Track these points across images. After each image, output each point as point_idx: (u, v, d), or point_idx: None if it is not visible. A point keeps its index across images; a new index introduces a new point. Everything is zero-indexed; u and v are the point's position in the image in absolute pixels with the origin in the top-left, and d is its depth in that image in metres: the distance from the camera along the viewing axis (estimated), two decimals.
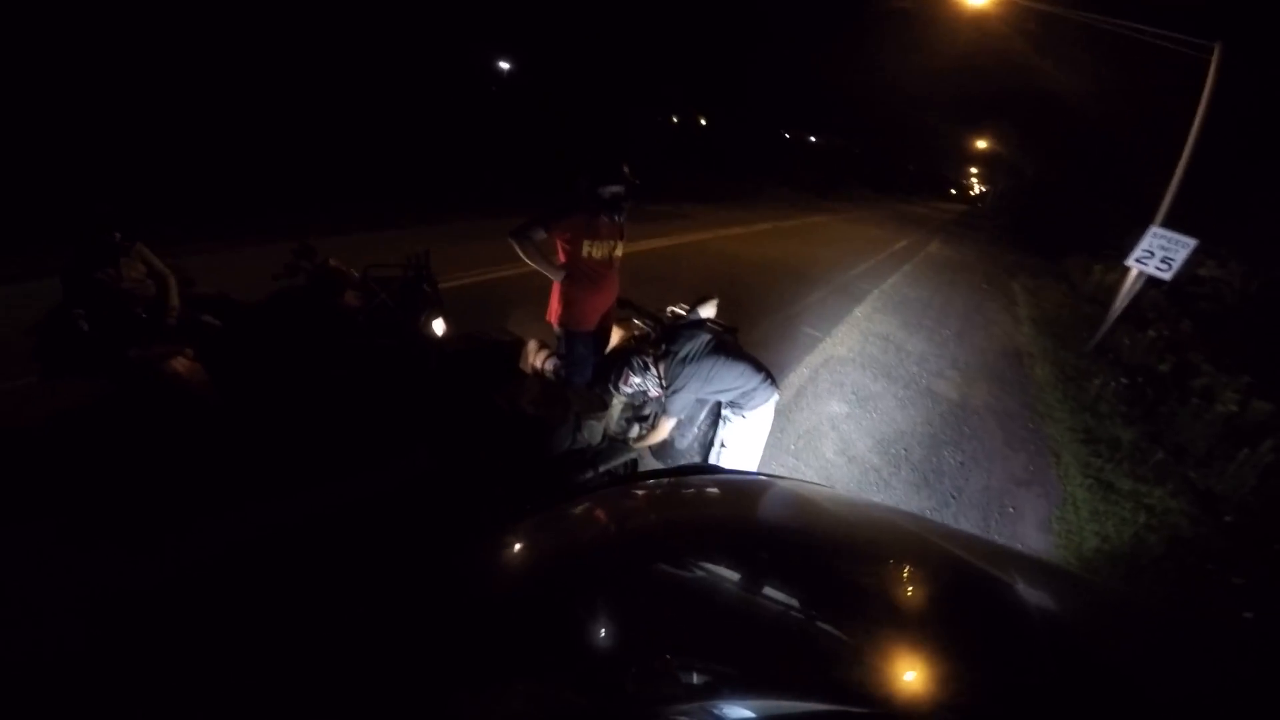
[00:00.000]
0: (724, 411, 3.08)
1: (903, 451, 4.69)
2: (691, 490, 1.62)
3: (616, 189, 3.17)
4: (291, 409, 3.32)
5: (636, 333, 3.71)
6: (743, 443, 3.03)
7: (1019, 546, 3.86)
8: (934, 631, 1.00)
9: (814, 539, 1.36)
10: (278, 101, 13.90)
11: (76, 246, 3.20)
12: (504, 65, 26.04)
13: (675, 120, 34.73)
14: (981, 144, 50.62)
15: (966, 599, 1.13)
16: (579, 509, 1.41)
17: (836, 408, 5.18)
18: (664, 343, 3.05)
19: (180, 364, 3.16)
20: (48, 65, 10.86)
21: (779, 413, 4.65)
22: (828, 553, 1.27)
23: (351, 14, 16.74)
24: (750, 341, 5.58)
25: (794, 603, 1.05)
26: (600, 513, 1.42)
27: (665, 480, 1.63)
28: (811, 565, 1.19)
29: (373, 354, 3.61)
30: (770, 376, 3.00)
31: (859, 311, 8.46)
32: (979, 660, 0.93)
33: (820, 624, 0.99)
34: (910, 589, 1.18)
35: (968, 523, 3.97)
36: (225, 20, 13.88)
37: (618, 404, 3.29)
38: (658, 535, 1.32)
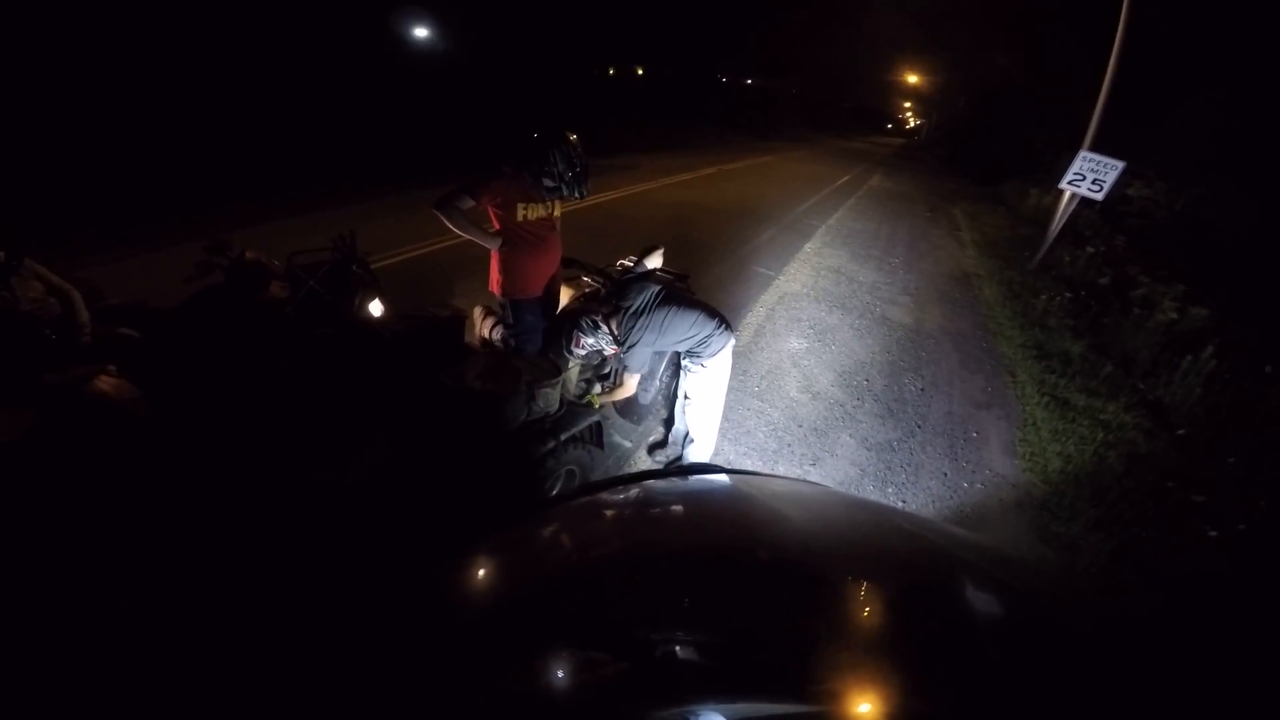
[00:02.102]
0: (683, 361, 2.96)
1: (864, 382, 4.64)
2: (664, 495, 1.58)
3: (552, 183, 2.95)
4: (234, 413, 3.05)
5: (586, 290, 3.53)
6: (705, 391, 2.93)
7: (988, 473, 3.88)
8: (922, 631, 0.98)
9: (786, 539, 1.35)
10: (168, 83, 12.65)
11: None
12: (421, 33, 24.49)
13: (611, 72, 33.84)
14: (913, 78, 51.07)
15: (955, 598, 1.13)
16: (560, 516, 1.40)
17: (795, 344, 5.09)
18: (613, 298, 2.91)
19: (105, 383, 2.85)
20: None
21: (739, 355, 4.55)
22: (800, 552, 1.27)
23: None
24: (704, 285, 5.43)
25: (769, 605, 1.04)
26: (574, 522, 1.40)
27: (637, 486, 1.58)
28: (783, 566, 1.18)
29: (310, 345, 3.35)
30: (725, 321, 2.90)
31: (809, 247, 8.35)
32: (970, 661, 0.92)
33: (795, 626, 0.97)
34: (888, 587, 1.16)
35: (934, 452, 3.94)
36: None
37: (574, 367, 3.11)
38: (633, 542, 1.31)
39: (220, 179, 9.25)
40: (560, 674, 0.86)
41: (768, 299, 5.99)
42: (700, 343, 2.82)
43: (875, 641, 0.96)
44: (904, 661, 0.90)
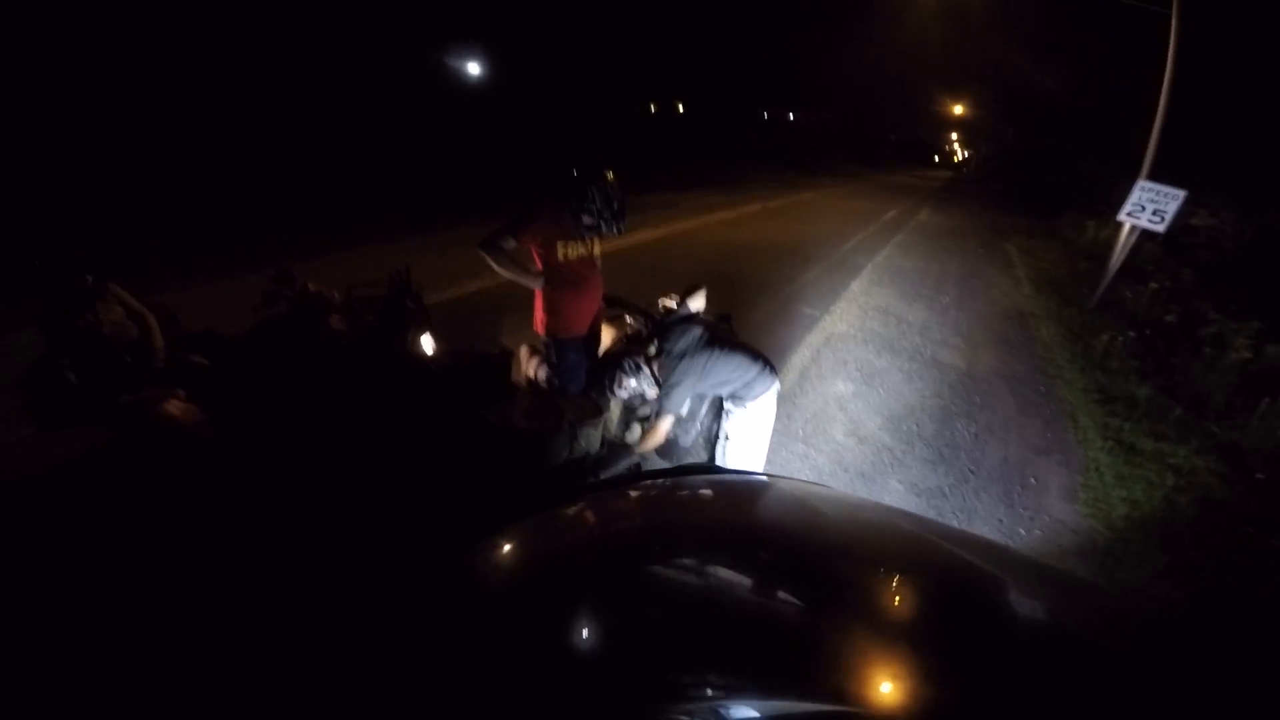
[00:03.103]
0: (725, 404, 2.94)
1: (914, 427, 4.53)
2: (688, 490, 1.60)
3: (591, 220, 2.96)
4: (290, 441, 3.19)
5: (628, 331, 3.57)
6: (747, 434, 2.90)
7: (1047, 519, 3.71)
8: (934, 632, 0.99)
9: (812, 539, 1.35)
10: (239, 120, 13.58)
11: (49, 294, 3.07)
12: (473, 69, 25.68)
13: (653, 109, 34.56)
14: (960, 109, 50.51)
15: (966, 599, 1.13)
16: (575, 510, 1.40)
17: (842, 387, 5.00)
18: (656, 340, 2.93)
19: (174, 406, 3.05)
20: None
21: (784, 398, 4.50)
22: (826, 552, 1.27)
23: (311, 27, 16.40)
24: (747, 326, 5.43)
25: (793, 603, 1.05)
26: (597, 514, 1.42)
27: (662, 481, 1.61)
28: (810, 565, 1.18)
29: (363, 378, 3.47)
30: (769, 364, 2.87)
31: (855, 286, 8.27)
32: (978, 662, 0.92)
33: (819, 624, 1.00)
34: (910, 589, 1.16)
35: (989, 498, 3.80)
36: (184, 35, 13.53)
37: (615, 408, 3.14)
38: (655, 535, 1.32)
39: (288, 207, 9.90)
40: (575, 667, 0.87)
41: (813, 340, 5.93)
42: (743, 386, 2.80)
43: (884, 640, 0.96)
44: (913, 660, 0.89)
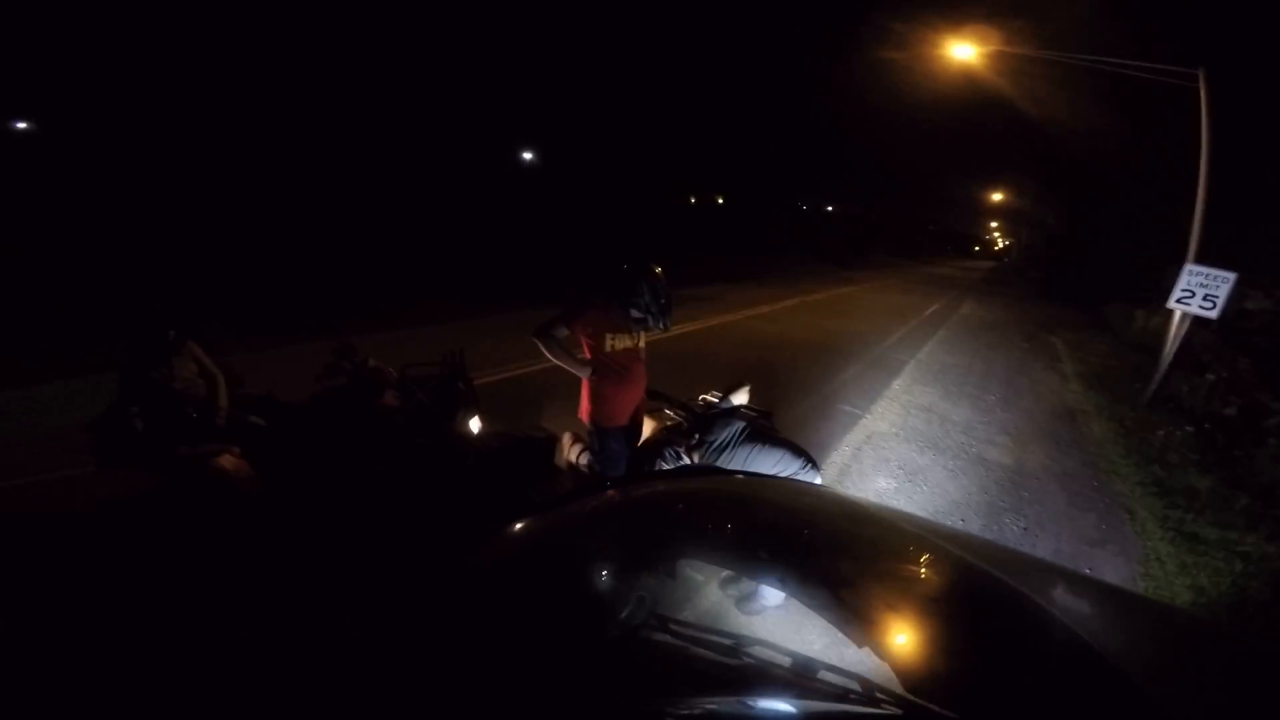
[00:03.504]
0: None
1: (959, 522, 4.49)
2: (692, 489, 1.62)
3: (640, 314, 3.17)
4: (333, 506, 3.36)
5: (669, 423, 3.69)
6: None
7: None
8: (939, 631, 1.01)
9: (819, 536, 1.37)
10: (317, 199, 14.98)
11: (131, 343, 3.36)
12: (527, 155, 27.61)
13: (692, 201, 35.77)
14: (998, 196, 50.96)
15: (971, 598, 1.15)
16: (582, 507, 1.42)
17: (884, 484, 5.02)
18: (697, 432, 3.04)
19: (227, 461, 3.28)
20: (113, 160, 12.14)
21: None
22: (832, 550, 1.29)
23: (384, 112, 18.12)
24: (787, 423, 5.53)
25: (799, 599, 1.07)
26: (602, 511, 1.43)
27: (670, 480, 1.68)
28: (816, 563, 1.21)
29: (411, 453, 3.66)
30: (811, 460, 2.95)
31: (897, 384, 8.33)
32: (987, 661, 0.94)
33: (822, 620, 1.00)
34: (915, 588, 1.19)
35: None
36: (269, 107, 15.22)
37: None
38: (662, 532, 1.34)
39: (356, 283, 10.82)
40: (581, 661, 0.87)
41: (854, 438, 5.99)
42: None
43: (886, 637, 0.97)
44: (915, 657, 0.92)
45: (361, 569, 3.01)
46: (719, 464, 2.85)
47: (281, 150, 15.55)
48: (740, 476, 1.79)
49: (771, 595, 1.61)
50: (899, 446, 5.86)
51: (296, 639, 0.99)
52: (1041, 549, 4.22)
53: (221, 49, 14.78)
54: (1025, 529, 4.49)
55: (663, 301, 3.20)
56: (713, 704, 0.79)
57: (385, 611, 1.03)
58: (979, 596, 1.17)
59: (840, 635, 0.97)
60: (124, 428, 3.20)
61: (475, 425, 3.98)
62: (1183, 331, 8.00)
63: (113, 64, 13.29)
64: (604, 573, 1.16)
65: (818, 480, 2.96)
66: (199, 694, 0.87)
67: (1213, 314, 7.40)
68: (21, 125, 14.61)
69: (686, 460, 2.96)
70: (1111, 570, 4.02)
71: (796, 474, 2.88)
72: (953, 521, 4.50)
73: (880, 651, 0.95)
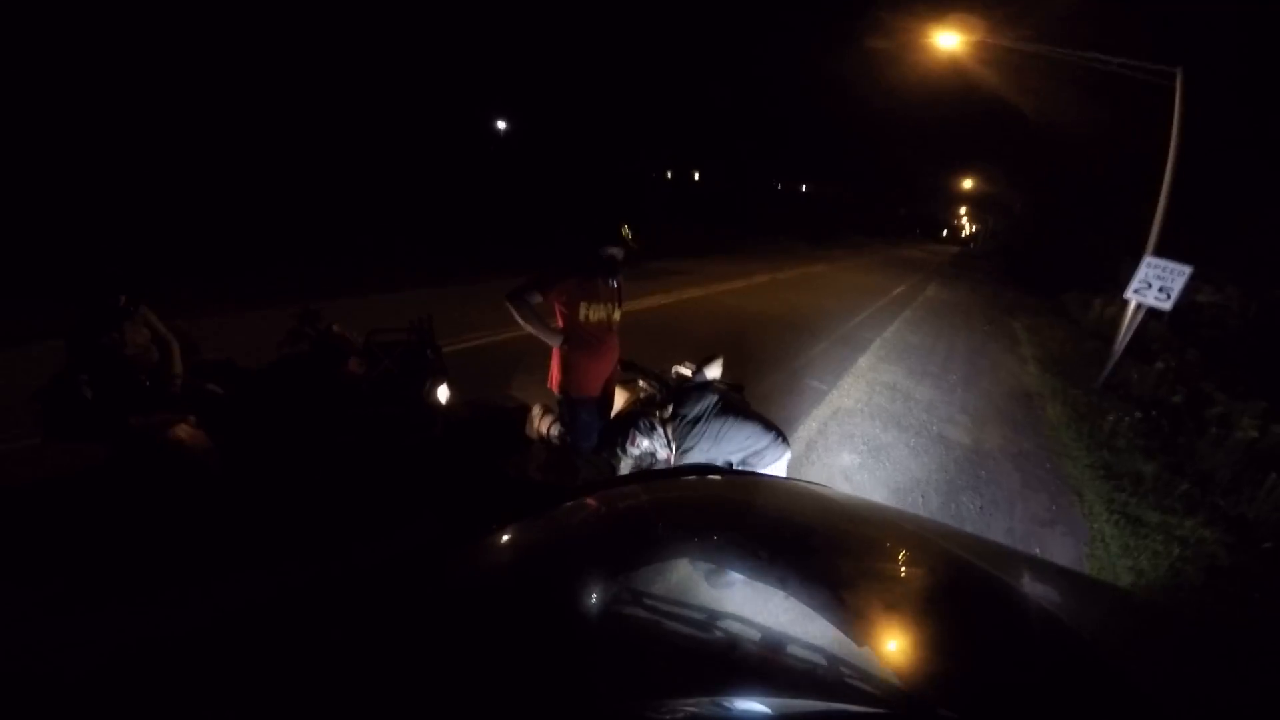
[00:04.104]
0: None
1: (919, 500, 4.61)
2: (688, 488, 1.62)
3: (614, 250, 3.14)
4: (295, 477, 3.26)
5: (642, 394, 3.67)
6: None
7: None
8: (936, 630, 1.01)
9: (815, 536, 1.37)
10: (279, 160, 14.43)
11: (81, 309, 3.17)
12: (501, 125, 27.00)
13: (669, 175, 35.62)
14: (968, 183, 51.83)
15: (968, 597, 1.15)
16: (573, 508, 1.41)
17: (848, 459, 5.11)
18: (671, 404, 3.05)
19: (182, 431, 3.13)
20: (53, 118, 11.45)
21: (791, 468, 4.59)
22: (828, 550, 1.29)
23: (353, 75, 17.50)
24: (756, 396, 5.57)
25: (791, 599, 1.05)
26: (595, 511, 1.42)
27: (666, 478, 1.65)
28: (808, 562, 1.20)
29: (377, 422, 3.56)
30: (781, 434, 2.99)
31: (863, 361, 8.45)
32: (982, 659, 0.94)
33: (818, 620, 1.00)
34: (912, 587, 1.19)
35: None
36: (233, 76, 14.58)
37: (626, 467, 3.25)
38: (658, 531, 1.32)
39: (318, 248, 10.53)
40: (572, 663, 0.86)
41: (820, 413, 6.07)
42: (755, 454, 2.91)
43: (883, 637, 0.97)
44: (912, 657, 0.91)
45: (325, 543, 2.94)
46: (691, 436, 2.87)
47: (244, 114, 14.85)
48: (737, 478, 1.78)
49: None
50: (864, 423, 5.96)
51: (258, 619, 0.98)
52: (995, 528, 4.36)
53: (186, 16, 13.99)
54: (981, 508, 4.63)
55: (625, 246, 3.18)
56: (697, 705, 0.78)
57: (358, 606, 1.02)
58: (978, 595, 1.17)
59: (839, 634, 0.97)
60: (72, 397, 3.02)
61: (444, 394, 3.87)
62: (1137, 321, 8.29)
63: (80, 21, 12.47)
64: (589, 572, 1.14)
65: (787, 454, 2.99)
66: (154, 674, 0.86)
67: (1167, 305, 7.67)
68: None
69: (660, 431, 2.95)
70: (1060, 550, 4.19)
71: (767, 448, 2.91)
72: (913, 499, 4.61)
73: (879, 650, 0.95)
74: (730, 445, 2.91)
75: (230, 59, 14.78)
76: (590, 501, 1.46)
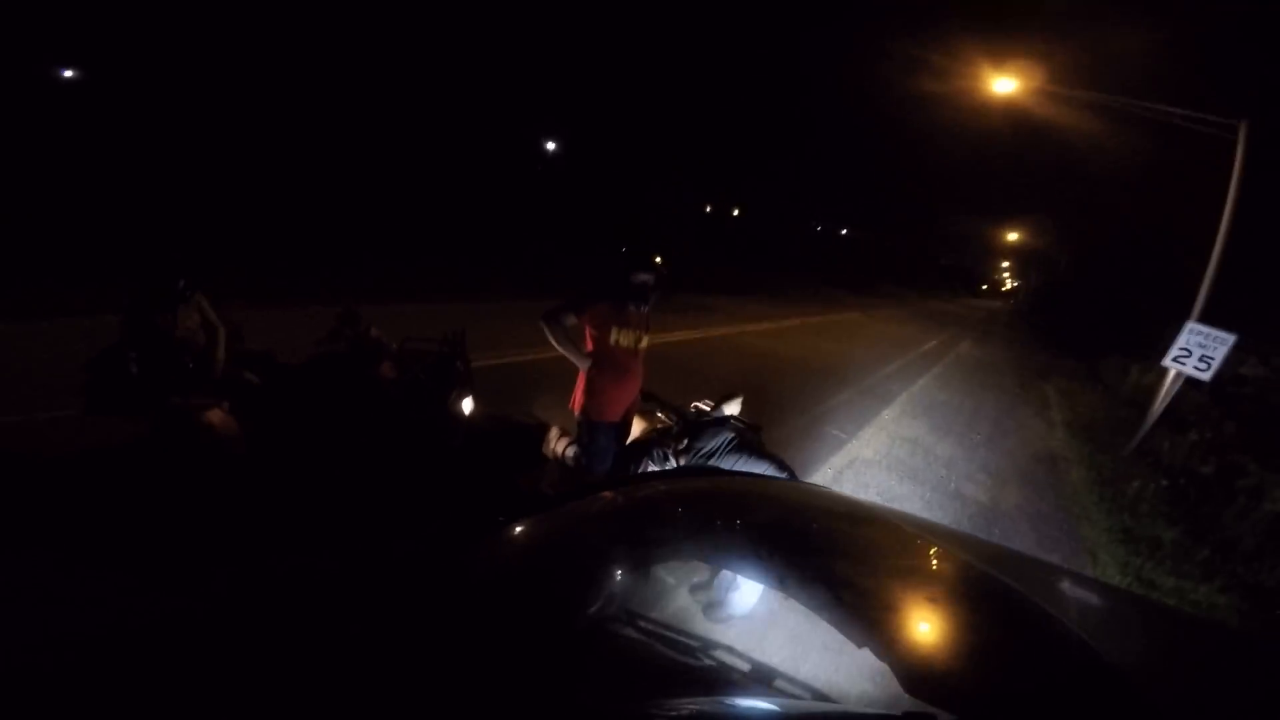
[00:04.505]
0: None
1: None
2: (688, 489, 1.63)
3: (646, 278, 3.23)
4: (315, 472, 3.36)
5: (659, 425, 3.69)
6: None
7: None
8: (936, 631, 1.02)
9: (816, 537, 1.37)
10: (338, 170, 15.20)
11: (139, 287, 3.35)
12: (550, 145, 27.67)
13: (708, 209, 35.66)
14: (1013, 236, 50.87)
15: (969, 599, 1.16)
16: (579, 507, 1.40)
17: None
18: (686, 437, 3.10)
19: (215, 416, 3.27)
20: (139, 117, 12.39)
21: None
22: (829, 550, 1.29)
23: (416, 94, 18.28)
24: (774, 440, 5.62)
25: (795, 599, 1.05)
26: (602, 511, 1.42)
27: (669, 480, 1.67)
28: (813, 563, 1.20)
29: (402, 426, 3.67)
30: (794, 476, 3.01)
31: (887, 414, 8.46)
32: (982, 660, 0.95)
33: (819, 620, 1.00)
34: (913, 588, 1.19)
35: None
36: (307, 89, 15.48)
37: None
38: (659, 531, 1.33)
39: (369, 255, 11.30)
40: (575, 662, 0.87)
41: (837, 461, 6.13)
42: None
43: (884, 636, 0.97)
44: (913, 656, 0.93)
45: (334, 539, 2.97)
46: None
47: (315, 129, 15.78)
48: (736, 477, 1.79)
49: (739, 604, 1.66)
50: (880, 474, 6.00)
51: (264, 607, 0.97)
52: None
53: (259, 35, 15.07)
54: None
55: (656, 274, 3.27)
56: (699, 704, 0.79)
57: (359, 604, 1.01)
58: (978, 596, 1.18)
59: (839, 635, 0.97)
60: (119, 370, 3.16)
61: (468, 406, 3.99)
62: (1174, 390, 8.06)
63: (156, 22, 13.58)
64: (591, 572, 1.14)
65: None
66: (160, 645, 0.85)
67: (1206, 376, 7.29)
68: (68, 73, 14.82)
69: (673, 463, 3.02)
70: None
71: None
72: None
73: (879, 650, 0.94)
74: None
75: (305, 71, 15.71)
76: (592, 502, 1.46)
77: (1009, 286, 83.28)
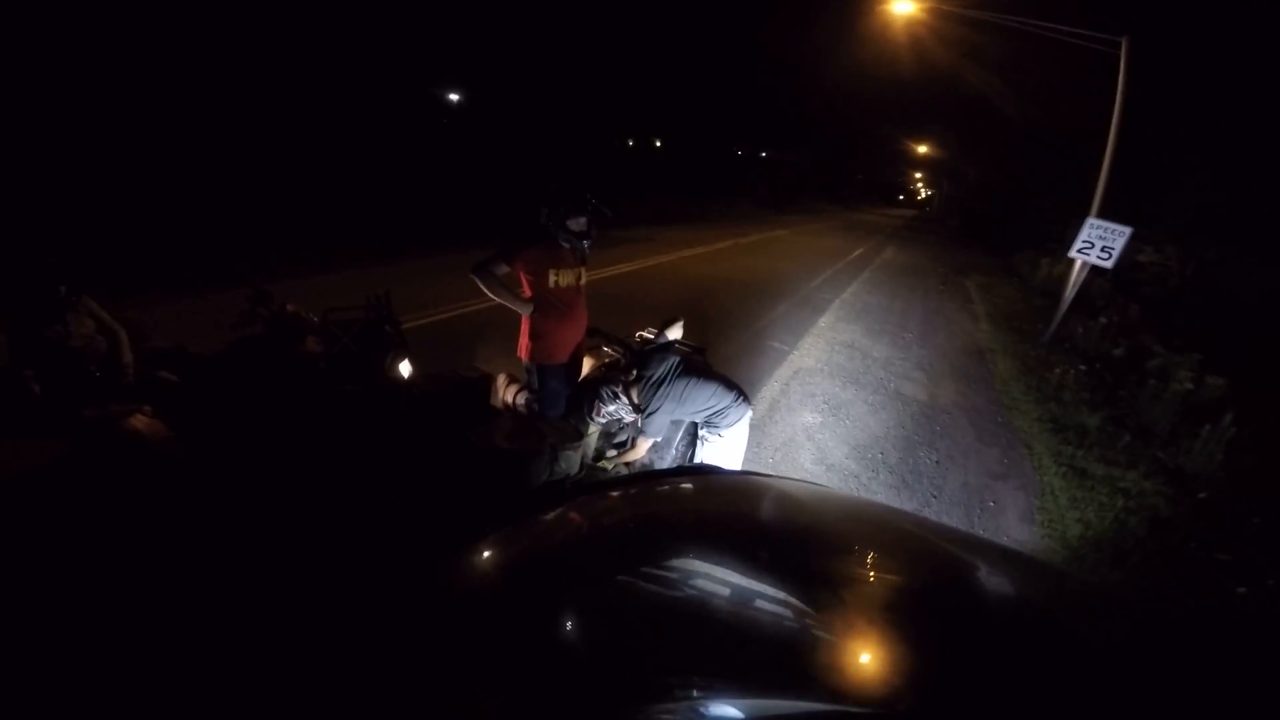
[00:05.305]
0: (700, 431, 3.09)
1: (879, 455, 4.73)
2: (675, 489, 1.61)
3: (582, 218, 3.12)
4: (261, 461, 3.16)
5: (607, 360, 3.69)
6: (721, 460, 3.03)
7: (1005, 540, 3.91)
8: (922, 627, 0.99)
9: (799, 535, 1.35)
10: (218, 140, 13.64)
11: (20, 302, 3.05)
12: (453, 97, 26.13)
13: (630, 144, 35.18)
14: (924, 149, 52.33)
15: (952, 595, 1.14)
16: (561, 511, 1.39)
17: (810, 418, 5.21)
18: (635, 368, 3.07)
19: (139, 422, 3.01)
20: None
21: (754, 427, 4.66)
22: (813, 549, 1.27)
23: (294, 52, 16.60)
24: (719, 359, 5.61)
25: (780, 600, 1.03)
26: (584, 514, 1.40)
27: (651, 480, 1.62)
28: (794, 562, 1.18)
29: (339, 400, 3.49)
30: (742, 393, 3.03)
31: (823, 322, 8.57)
32: (967, 656, 0.92)
33: (804, 621, 0.98)
34: (898, 584, 1.18)
35: (951, 521, 3.98)
36: (162, 57, 13.62)
37: (594, 432, 3.26)
38: (643, 534, 1.31)
39: (269, 230, 10.02)
40: (573, 662, 0.86)
41: (782, 373, 6.15)
42: (718, 413, 2.96)
43: (876, 637, 0.95)
44: (899, 657, 0.90)
45: (296, 526, 2.89)
46: (656, 398, 2.89)
47: (176, 96, 13.86)
48: (726, 477, 1.74)
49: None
50: (824, 381, 6.07)
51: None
52: (951, 482, 4.50)
53: None
54: (938, 462, 4.77)
55: (593, 214, 3.17)
56: (685, 708, 0.77)
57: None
58: (969, 595, 1.16)
59: (827, 635, 0.96)
60: (19, 392, 2.91)
61: (406, 369, 3.81)
62: (1081, 279, 8.60)
63: None
64: (572, 576, 1.14)
65: (748, 412, 3.03)
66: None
67: (1109, 264, 7.98)
68: None
69: (623, 397, 2.96)
70: (1013, 504, 4.34)
71: (729, 407, 2.95)
72: (873, 455, 4.73)
73: (867, 649, 0.94)
74: (693, 405, 2.94)
75: (163, 36, 13.76)
76: (579, 504, 1.44)
77: (923, 196, 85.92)
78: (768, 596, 1.03)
